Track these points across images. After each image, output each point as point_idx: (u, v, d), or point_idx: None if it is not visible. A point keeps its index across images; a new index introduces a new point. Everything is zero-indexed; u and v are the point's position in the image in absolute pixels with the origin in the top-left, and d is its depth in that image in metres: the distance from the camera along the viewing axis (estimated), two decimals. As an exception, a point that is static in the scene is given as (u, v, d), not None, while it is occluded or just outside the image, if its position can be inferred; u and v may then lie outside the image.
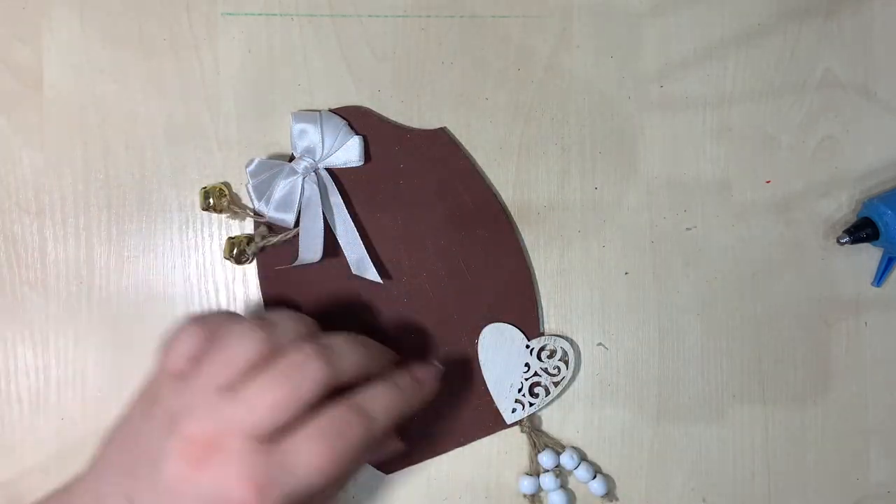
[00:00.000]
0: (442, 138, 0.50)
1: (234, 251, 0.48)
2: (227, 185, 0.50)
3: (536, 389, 0.49)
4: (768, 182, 0.51)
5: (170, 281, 0.50)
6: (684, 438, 0.51)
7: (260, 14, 0.50)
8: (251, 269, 0.50)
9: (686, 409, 0.51)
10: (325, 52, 0.50)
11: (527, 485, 0.49)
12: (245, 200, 0.50)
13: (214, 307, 0.50)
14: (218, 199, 0.48)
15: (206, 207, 0.49)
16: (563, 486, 0.49)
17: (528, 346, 0.49)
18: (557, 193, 0.51)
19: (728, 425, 0.51)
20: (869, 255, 0.51)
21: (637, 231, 0.51)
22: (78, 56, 0.50)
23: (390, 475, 0.50)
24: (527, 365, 0.49)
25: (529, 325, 0.50)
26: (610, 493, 0.50)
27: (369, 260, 0.47)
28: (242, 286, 0.50)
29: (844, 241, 0.49)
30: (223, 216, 0.50)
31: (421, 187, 0.49)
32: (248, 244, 0.48)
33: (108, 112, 0.50)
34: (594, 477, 0.49)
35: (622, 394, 0.51)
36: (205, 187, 0.49)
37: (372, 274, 0.47)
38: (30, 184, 0.50)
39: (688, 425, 0.51)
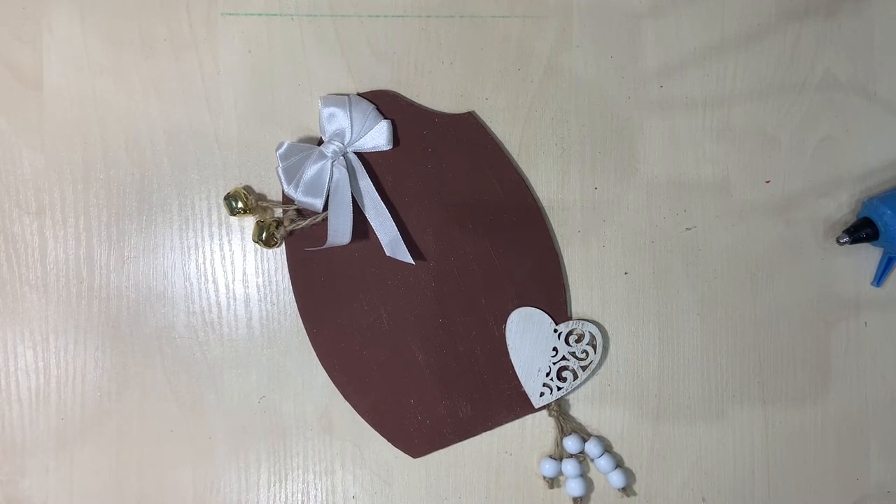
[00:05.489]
0: (470, 122, 0.50)
1: (264, 235, 0.48)
2: (247, 187, 0.50)
3: (564, 373, 0.49)
4: (768, 182, 0.51)
5: (170, 281, 0.50)
6: (684, 438, 0.51)
7: (260, 14, 0.50)
8: (251, 268, 0.50)
9: (686, 409, 0.51)
10: (325, 53, 0.50)
11: (548, 468, 0.49)
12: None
13: (214, 307, 0.50)
14: (245, 200, 0.48)
15: (235, 212, 0.49)
16: (583, 474, 0.50)
17: (556, 331, 0.49)
18: (557, 193, 0.51)
19: (728, 425, 0.51)
20: (869, 255, 0.51)
21: (637, 231, 0.51)
22: (78, 56, 0.50)
23: (392, 475, 0.50)
24: (555, 349, 0.49)
25: (557, 309, 0.50)
26: (628, 488, 0.50)
27: (402, 241, 0.47)
28: (242, 286, 0.50)
29: (844, 241, 0.49)
30: (252, 217, 0.50)
31: (449, 171, 0.50)
32: (276, 228, 0.49)
33: (108, 112, 0.50)
34: (615, 468, 0.49)
35: (622, 394, 0.51)
36: (227, 195, 0.49)
37: (404, 254, 0.47)
38: (30, 184, 0.50)
39: (688, 425, 0.51)
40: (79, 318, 0.50)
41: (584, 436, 0.50)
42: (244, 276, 0.50)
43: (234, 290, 0.50)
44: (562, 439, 0.49)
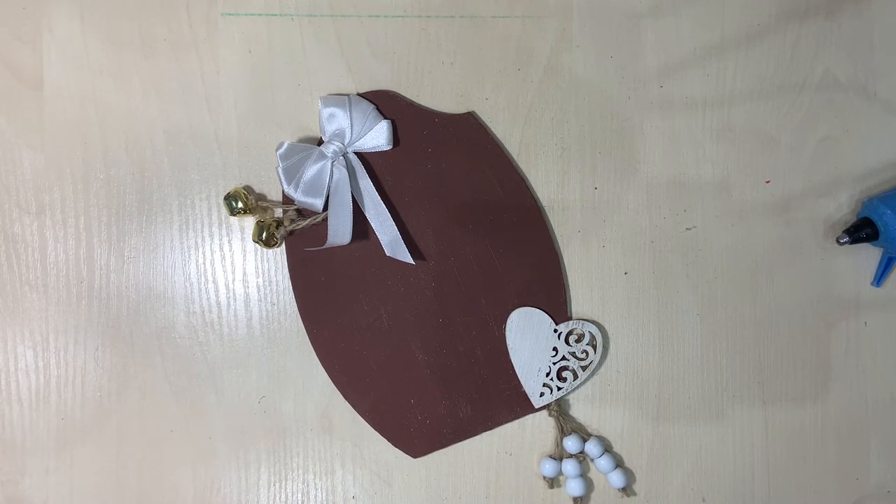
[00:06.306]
0: (470, 122, 0.50)
1: (264, 235, 0.48)
2: (247, 187, 0.50)
3: (564, 373, 0.49)
4: (768, 182, 0.51)
5: (170, 281, 0.50)
6: (684, 438, 0.51)
7: (260, 14, 0.50)
8: (251, 268, 0.50)
9: (686, 409, 0.51)
10: (325, 53, 0.50)
11: (548, 468, 0.49)
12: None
13: (214, 307, 0.50)
14: (245, 200, 0.48)
15: (235, 212, 0.49)
16: (583, 474, 0.50)
17: (556, 331, 0.49)
18: (557, 193, 0.51)
19: (728, 425, 0.51)
20: (869, 255, 0.51)
21: (637, 231, 0.51)
22: (78, 56, 0.50)
23: (392, 475, 0.50)
24: (555, 349, 0.49)
25: (557, 309, 0.50)
26: (628, 488, 0.50)
27: (402, 241, 0.47)
28: (242, 286, 0.50)
29: (844, 241, 0.49)
30: (252, 217, 0.50)
31: (449, 171, 0.50)
32: (276, 227, 0.49)
33: (108, 112, 0.50)
34: (615, 468, 0.49)
35: (622, 394, 0.51)
36: (227, 195, 0.49)
37: (404, 255, 0.47)
38: (30, 184, 0.50)
39: (688, 425, 0.51)
40: (79, 318, 0.50)
41: (584, 436, 0.50)
42: (244, 276, 0.50)
43: (234, 290, 0.50)
44: (562, 439, 0.49)
